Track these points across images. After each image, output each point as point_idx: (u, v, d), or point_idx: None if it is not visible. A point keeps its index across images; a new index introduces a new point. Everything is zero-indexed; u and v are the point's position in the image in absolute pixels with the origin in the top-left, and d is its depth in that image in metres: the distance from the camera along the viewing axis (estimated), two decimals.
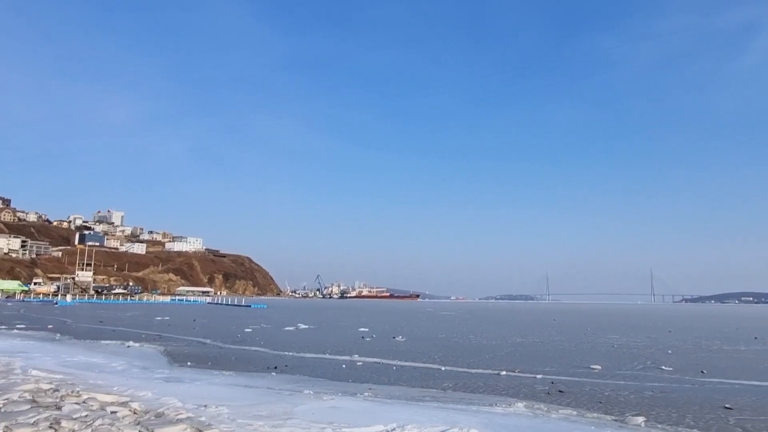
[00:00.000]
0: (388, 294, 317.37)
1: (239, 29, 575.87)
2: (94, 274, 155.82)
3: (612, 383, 15.44)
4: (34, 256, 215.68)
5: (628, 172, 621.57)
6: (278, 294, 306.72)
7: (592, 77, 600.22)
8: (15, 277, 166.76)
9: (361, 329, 37.85)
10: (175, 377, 14.92)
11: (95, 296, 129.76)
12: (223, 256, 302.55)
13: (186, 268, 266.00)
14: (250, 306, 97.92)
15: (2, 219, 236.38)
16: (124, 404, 9.98)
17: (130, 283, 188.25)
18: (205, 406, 10.09)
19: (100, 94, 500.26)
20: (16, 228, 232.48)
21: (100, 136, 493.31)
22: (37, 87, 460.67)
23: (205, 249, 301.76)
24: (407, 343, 27.44)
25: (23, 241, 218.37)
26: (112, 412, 9.17)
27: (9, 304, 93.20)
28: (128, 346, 24.08)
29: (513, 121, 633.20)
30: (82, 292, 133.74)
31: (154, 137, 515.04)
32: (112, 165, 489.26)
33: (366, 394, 12.88)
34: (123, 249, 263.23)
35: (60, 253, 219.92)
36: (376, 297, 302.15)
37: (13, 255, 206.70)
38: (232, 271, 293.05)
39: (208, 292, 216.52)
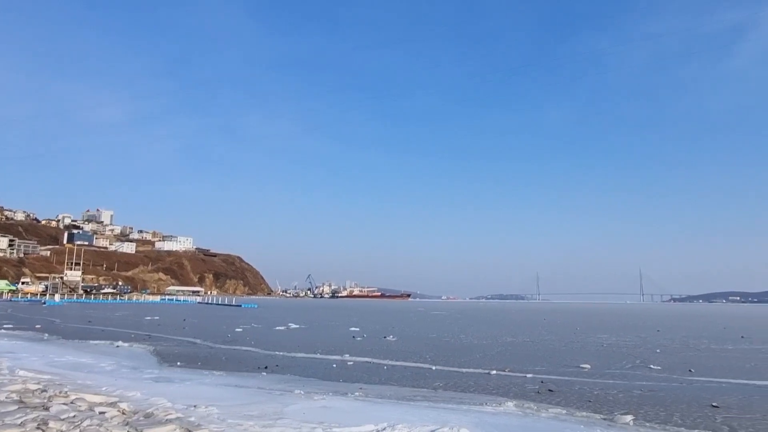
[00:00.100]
0: (379, 294, 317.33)
1: (232, 28, 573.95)
2: (82, 273, 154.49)
3: (601, 382, 15.55)
4: (21, 255, 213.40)
5: (619, 172, 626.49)
6: (269, 294, 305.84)
7: (584, 78, 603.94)
8: (2, 277, 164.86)
9: (352, 329, 37.84)
10: (165, 377, 14.84)
11: (84, 296, 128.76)
12: (214, 255, 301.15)
13: (176, 267, 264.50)
14: (240, 306, 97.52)
15: None
16: (112, 405, 9.91)
17: (120, 283, 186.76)
18: (194, 406, 10.05)
19: (90, 92, 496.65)
20: (4, 227, 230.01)
21: (89, 135, 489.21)
22: (25, 84, 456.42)
23: (196, 248, 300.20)
24: (398, 343, 27.47)
25: (11, 240, 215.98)
26: (100, 413, 9.09)
27: None
28: (117, 346, 23.91)
29: (504, 122, 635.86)
30: (70, 291, 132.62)
31: (145, 136, 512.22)
32: (101, 163, 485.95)
33: (357, 393, 12.89)
34: (112, 248, 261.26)
35: (48, 253, 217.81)
36: (367, 296, 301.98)
37: (1, 254, 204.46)
38: (223, 270, 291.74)
39: (198, 291, 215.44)
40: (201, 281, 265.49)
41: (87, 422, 8.34)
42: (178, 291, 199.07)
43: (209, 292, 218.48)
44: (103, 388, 11.80)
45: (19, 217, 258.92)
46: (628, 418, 10.60)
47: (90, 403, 9.90)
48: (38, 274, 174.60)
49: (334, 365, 18.62)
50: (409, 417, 9.84)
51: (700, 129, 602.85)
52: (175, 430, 8.26)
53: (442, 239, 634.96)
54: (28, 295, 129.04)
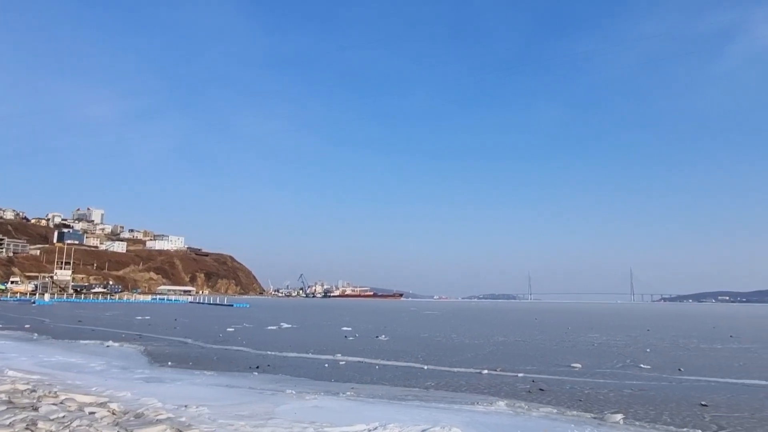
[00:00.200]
0: (372, 293, 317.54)
1: (223, 26, 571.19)
2: (73, 272, 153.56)
3: (592, 381, 15.64)
4: (11, 254, 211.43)
5: (611, 173, 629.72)
6: (261, 293, 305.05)
7: (576, 78, 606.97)
8: None
9: (344, 328, 37.83)
10: (156, 377, 14.77)
11: (74, 295, 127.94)
12: (206, 254, 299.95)
13: (167, 266, 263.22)
14: (232, 305, 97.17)
15: None
16: (102, 405, 9.85)
17: (110, 282, 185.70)
18: (185, 406, 10.01)
19: (81, 90, 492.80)
20: None
21: (80, 133, 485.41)
22: (15, 82, 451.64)
23: (187, 248, 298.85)
24: (390, 343, 27.49)
25: (0, 239, 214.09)
26: (90, 413, 9.04)
27: None
28: (107, 346, 23.77)
29: (496, 121, 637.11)
30: (60, 291, 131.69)
31: (137, 134, 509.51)
32: (92, 162, 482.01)
33: (348, 393, 12.88)
34: (103, 247, 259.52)
35: (38, 252, 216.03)
36: (359, 296, 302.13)
37: None
38: (215, 270, 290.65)
39: (189, 291, 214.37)
40: (192, 281, 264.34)
41: (76, 423, 8.28)
42: (169, 290, 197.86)
43: (201, 292, 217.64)
44: (93, 389, 11.73)
45: (9, 215, 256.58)
46: (618, 417, 10.68)
47: (80, 404, 9.84)
48: (28, 274, 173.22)
49: (326, 365, 18.61)
50: (401, 416, 9.85)
51: (692, 130, 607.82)
52: (165, 430, 8.23)
53: (435, 239, 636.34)
54: (18, 295, 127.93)
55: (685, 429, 10.07)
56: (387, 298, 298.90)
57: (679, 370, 18.29)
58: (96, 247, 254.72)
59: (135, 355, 21.11)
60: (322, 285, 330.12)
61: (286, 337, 30.13)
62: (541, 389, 14.10)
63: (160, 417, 8.97)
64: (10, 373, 13.42)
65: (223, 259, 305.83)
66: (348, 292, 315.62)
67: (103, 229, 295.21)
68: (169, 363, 18.48)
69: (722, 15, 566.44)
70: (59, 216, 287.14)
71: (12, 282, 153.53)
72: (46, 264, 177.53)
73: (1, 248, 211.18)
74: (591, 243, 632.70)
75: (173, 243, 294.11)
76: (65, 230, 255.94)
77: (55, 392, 10.84)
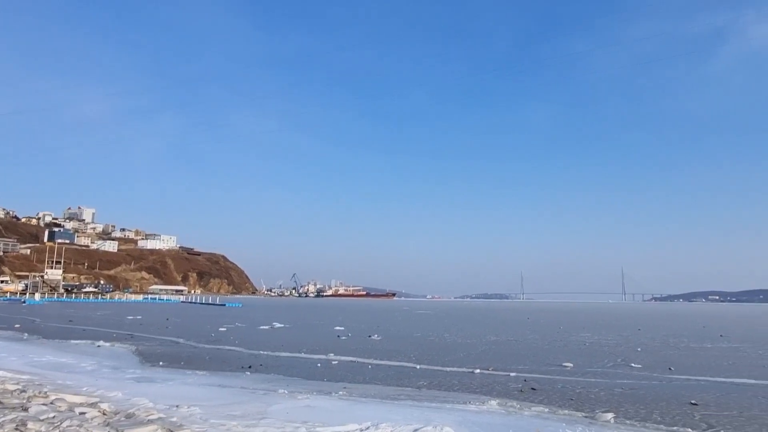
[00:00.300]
0: (365, 293, 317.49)
1: (219, 25, 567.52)
2: (63, 272, 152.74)
3: (583, 380, 15.72)
4: (1, 253, 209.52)
5: (603, 173, 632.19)
6: (254, 293, 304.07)
7: (568, 79, 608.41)
8: None
9: (337, 328, 37.82)
10: (147, 377, 14.71)
11: (65, 295, 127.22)
12: (198, 254, 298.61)
13: (159, 266, 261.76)
14: (224, 305, 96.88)
15: None
16: (93, 405, 9.80)
17: (101, 282, 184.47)
18: (177, 406, 9.98)
19: (72, 88, 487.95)
20: None
21: (71, 131, 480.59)
22: (6, 80, 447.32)
23: (179, 247, 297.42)
24: (383, 342, 27.51)
25: None
26: (80, 413, 8.99)
27: None
28: (98, 346, 23.65)
29: (489, 121, 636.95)
30: (51, 290, 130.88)
31: (128, 133, 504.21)
32: (83, 160, 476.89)
33: (341, 392, 12.88)
34: (94, 247, 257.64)
35: (28, 251, 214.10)
36: (352, 296, 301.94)
37: None
38: (207, 269, 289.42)
39: (181, 290, 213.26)
40: (185, 280, 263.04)
41: (67, 423, 8.24)
42: (161, 290, 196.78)
43: (193, 291, 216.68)
44: (84, 389, 11.66)
45: None
46: (609, 415, 10.75)
47: (70, 404, 9.78)
48: (18, 273, 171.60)
49: (319, 364, 18.59)
50: (393, 416, 9.87)
51: (684, 130, 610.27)
52: (156, 430, 8.19)
53: (428, 238, 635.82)
54: (8, 294, 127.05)
55: (675, 428, 10.15)
56: (380, 297, 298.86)
57: (670, 369, 18.43)
58: (87, 246, 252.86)
59: (126, 354, 21.01)
60: (315, 284, 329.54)
61: (279, 337, 30.07)
62: (533, 388, 14.16)
63: (151, 417, 8.93)
64: (0, 373, 13.31)
65: (216, 259, 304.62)
66: (341, 291, 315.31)
67: (94, 228, 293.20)
68: (161, 363, 18.41)
69: (716, 16, 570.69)
70: (50, 215, 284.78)
71: (2, 281, 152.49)
72: (37, 263, 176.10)
73: None
74: (583, 243, 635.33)
75: (165, 242, 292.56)
76: (56, 229, 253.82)
77: (45, 392, 10.77)
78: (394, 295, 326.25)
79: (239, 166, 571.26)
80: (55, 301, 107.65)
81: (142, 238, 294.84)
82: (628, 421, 10.51)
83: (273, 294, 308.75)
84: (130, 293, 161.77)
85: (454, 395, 13.08)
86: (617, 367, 19.04)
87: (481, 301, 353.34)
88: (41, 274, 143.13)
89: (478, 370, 17.37)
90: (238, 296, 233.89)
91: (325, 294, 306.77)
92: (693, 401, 12.65)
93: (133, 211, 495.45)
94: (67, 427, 8.07)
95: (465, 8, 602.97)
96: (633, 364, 19.44)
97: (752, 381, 16.04)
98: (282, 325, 40.01)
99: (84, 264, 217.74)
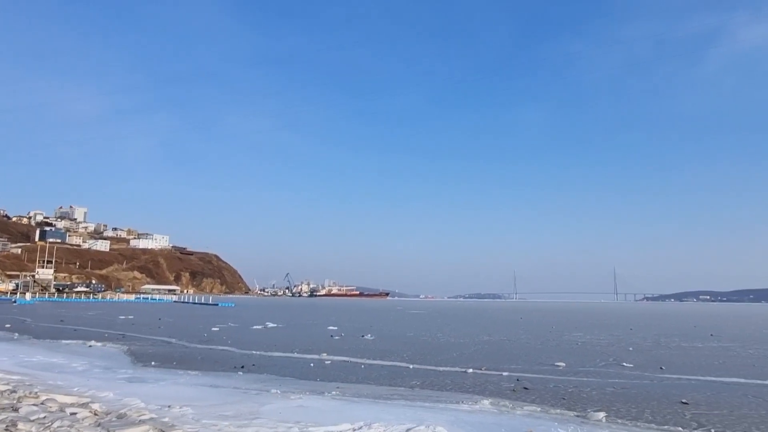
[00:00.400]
0: (358, 292, 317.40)
1: (210, 24, 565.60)
2: (55, 271, 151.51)
3: (575, 380, 15.80)
4: None
5: (595, 173, 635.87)
6: (247, 292, 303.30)
7: (560, 80, 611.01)
8: None
9: (330, 328, 37.78)
10: (139, 377, 14.64)
11: (56, 294, 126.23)
12: (190, 253, 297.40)
13: (151, 265, 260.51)
14: (217, 304, 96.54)
15: None
16: (84, 405, 9.74)
17: (93, 281, 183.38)
18: (169, 406, 9.94)
19: (64, 87, 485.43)
20: None
21: (63, 130, 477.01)
22: None
23: (172, 246, 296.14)
24: (376, 342, 27.51)
25: None
26: (71, 414, 8.94)
27: None
28: (90, 346, 23.51)
29: (481, 122, 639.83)
30: (42, 290, 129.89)
31: (121, 132, 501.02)
32: (75, 159, 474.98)
33: (334, 392, 12.88)
34: (86, 246, 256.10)
35: (19, 250, 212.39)
36: (345, 295, 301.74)
37: None
38: (200, 269, 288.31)
39: (174, 290, 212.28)
40: (177, 280, 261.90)
41: (57, 423, 8.19)
42: (153, 290, 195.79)
43: (186, 291, 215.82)
44: (75, 389, 11.60)
45: None
46: (601, 415, 10.80)
47: (61, 404, 9.72)
48: (9, 272, 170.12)
49: (312, 364, 18.57)
50: (386, 416, 9.87)
51: (675, 131, 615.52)
52: (148, 430, 8.16)
53: (421, 238, 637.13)
54: None
55: (666, 426, 10.22)
56: (373, 297, 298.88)
57: (661, 368, 18.55)
58: (79, 245, 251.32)
59: (118, 354, 20.90)
60: (309, 284, 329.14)
61: (272, 337, 30.01)
62: (525, 388, 14.21)
63: (142, 417, 8.89)
64: None
65: (209, 258, 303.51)
66: (334, 291, 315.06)
67: (86, 228, 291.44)
68: (153, 363, 18.33)
69: (708, 18, 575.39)
70: (41, 214, 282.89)
71: None
72: (28, 263, 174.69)
73: None
74: (576, 243, 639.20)
75: (158, 241, 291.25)
76: (47, 228, 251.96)
77: (36, 393, 10.70)
78: (387, 294, 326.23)
79: (233, 166, 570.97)
80: (46, 300, 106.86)
81: (135, 238, 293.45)
82: (619, 420, 10.57)
83: (266, 294, 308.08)
84: (122, 293, 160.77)
85: (447, 395, 13.10)
86: (609, 366, 19.14)
87: (474, 300, 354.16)
88: (32, 273, 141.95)
89: (470, 370, 17.41)
90: (231, 296, 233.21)
91: (318, 294, 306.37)
92: (684, 400, 12.74)
93: (125, 210, 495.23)
94: (57, 427, 8.02)
95: (460, 9, 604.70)
96: (625, 364, 19.54)
97: (742, 380, 16.18)
98: (275, 325, 39.93)
99: (75, 263, 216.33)
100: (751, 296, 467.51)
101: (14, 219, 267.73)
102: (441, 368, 18.01)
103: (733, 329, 45.26)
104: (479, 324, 48.65)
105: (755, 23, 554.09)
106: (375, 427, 8.92)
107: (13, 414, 8.69)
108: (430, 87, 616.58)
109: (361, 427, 8.94)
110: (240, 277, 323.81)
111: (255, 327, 38.07)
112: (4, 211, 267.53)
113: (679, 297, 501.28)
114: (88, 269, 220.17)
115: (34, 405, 9.45)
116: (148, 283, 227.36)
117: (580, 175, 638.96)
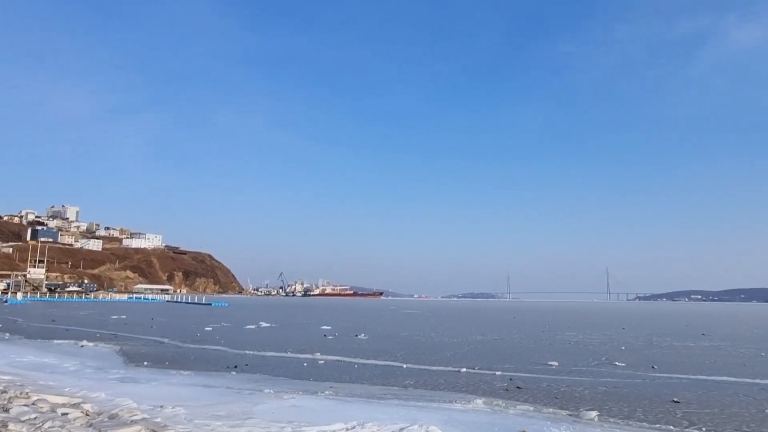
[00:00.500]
0: (352, 292, 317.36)
1: (203, 23, 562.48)
2: (46, 271, 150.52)
3: (568, 379, 15.86)
4: None
5: (588, 174, 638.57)
6: (240, 292, 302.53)
7: (554, 80, 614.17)
8: None
9: (324, 327, 37.75)
10: (131, 377, 14.58)
11: (48, 294, 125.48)
12: (184, 253, 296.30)
13: (144, 265, 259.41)
14: (210, 304, 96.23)
15: None
16: (75, 406, 9.69)
17: (85, 281, 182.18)
18: (161, 406, 9.90)
19: (58, 86, 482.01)
20: None
21: (54, 128, 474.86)
22: None
23: (165, 246, 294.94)
24: (369, 342, 27.51)
25: None
26: (62, 414, 8.89)
27: None
28: (82, 346, 23.39)
29: (475, 122, 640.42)
30: (33, 289, 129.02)
31: (113, 130, 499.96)
32: (67, 158, 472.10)
33: (327, 392, 12.87)
34: (78, 245, 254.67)
35: (10, 250, 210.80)
36: (339, 295, 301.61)
37: None
38: (193, 268, 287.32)
39: (167, 290, 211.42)
40: (170, 279, 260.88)
41: (49, 424, 8.14)
42: (146, 289, 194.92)
43: (178, 291, 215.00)
44: (66, 389, 11.53)
45: None
46: (593, 413, 10.85)
47: (52, 404, 9.67)
48: (0, 272, 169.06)
49: (305, 364, 18.55)
50: (379, 415, 9.88)
51: (668, 131, 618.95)
52: (140, 431, 8.13)
53: (415, 238, 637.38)
54: None
55: (658, 425, 10.29)
56: (367, 296, 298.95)
57: (653, 367, 18.65)
58: (71, 245, 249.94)
59: (110, 355, 20.80)
60: (302, 284, 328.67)
61: (265, 337, 29.95)
62: (518, 387, 14.26)
63: (135, 418, 8.85)
64: None
65: (202, 258, 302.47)
66: (328, 290, 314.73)
67: (78, 227, 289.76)
68: (145, 363, 18.25)
69: (699, 19, 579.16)
70: (33, 213, 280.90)
71: None
72: (19, 262, 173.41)
73: None
74: (569, 243, 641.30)
75: (150, 241, 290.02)
76: (39, 228, 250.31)
77: (27, 393, 10.62)
78: (381, 294, 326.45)
79: (225, 165, 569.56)
80: (37, 300, 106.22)
81: (127, 237, 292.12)
82: (611, 419, 10.63)
83: (260, 293, 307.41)
84: (115, 293, 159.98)
85: (440, 394, 13.12)
86: (601, 365, 19.23)
87: (468, 300, 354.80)
88: (24, 273, 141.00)
89: (464, 369, 17.45)
90: (224, 295, 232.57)
91: (312, 293, 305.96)
92: (675, 399, 12.82)
93: (117, 209, 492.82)
94: (49, 428, 7.97)
95: (454, 9, 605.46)
96: (617, 363, 19.64)
97: (733, 379, 16.31)
98: (268, 325, 39.86)
99: (68, 263, 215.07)
100: (743, 296, 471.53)
101: (5, 218, 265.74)
102: (434, 368, 18.04)
103: (724, 328, 45.60)
104: (472, 323, 48.76)
105: (746, 23, 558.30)
106: (368, 427, 8.92)
107: (4, 414, 8.64)
108: (423, 87, 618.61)
109: (354, 427, 8.94)
110: (233, 276, 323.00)
111: (248, 327, 37.99)
112: None
113: (671, 296, 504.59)
114: (80, 269, 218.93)
115: (25, 405, 9.39)
116: (141, 283, 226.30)
117: (573, 176, 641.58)
